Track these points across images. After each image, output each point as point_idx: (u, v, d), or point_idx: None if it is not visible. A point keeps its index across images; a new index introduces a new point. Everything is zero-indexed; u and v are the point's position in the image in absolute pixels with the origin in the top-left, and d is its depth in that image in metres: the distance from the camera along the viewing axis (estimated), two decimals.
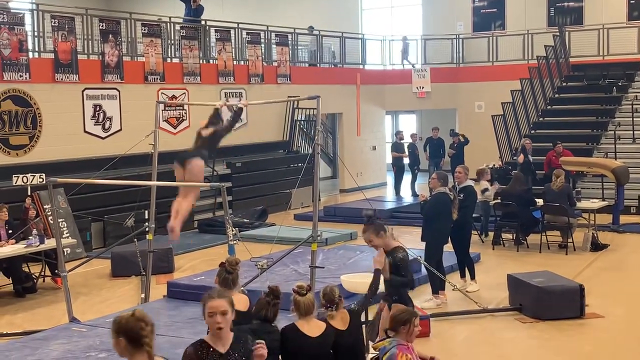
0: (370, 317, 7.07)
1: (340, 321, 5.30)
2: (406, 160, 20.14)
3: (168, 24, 17.09)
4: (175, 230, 7.79)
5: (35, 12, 14.63)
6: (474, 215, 11.28)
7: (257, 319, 5.12)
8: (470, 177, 11.07)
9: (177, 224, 7.81)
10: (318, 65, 21.74)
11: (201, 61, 17.31)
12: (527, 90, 19.79)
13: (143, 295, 9.92)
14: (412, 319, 5.15)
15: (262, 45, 19.04)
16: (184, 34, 16.93)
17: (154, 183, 9.75)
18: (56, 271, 10.68)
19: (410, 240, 10.70)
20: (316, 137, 8.49)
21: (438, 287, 9.75)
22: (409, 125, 27.06)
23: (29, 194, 11.71)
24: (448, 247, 11.26)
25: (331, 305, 5.31)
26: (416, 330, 5.17)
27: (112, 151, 13.84)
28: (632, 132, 17.99)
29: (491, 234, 13.71)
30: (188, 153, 7.97)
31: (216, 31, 17.89)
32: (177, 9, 19.00)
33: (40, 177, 11.72)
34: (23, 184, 11.67)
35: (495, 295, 10.17)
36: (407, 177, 20.31)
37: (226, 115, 8.77)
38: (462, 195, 10.44)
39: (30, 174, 11.79)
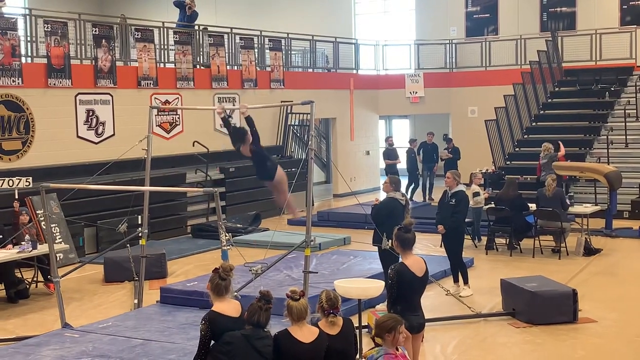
0: (364, 322, 7.06)
1: (332, 326, 5.30)
2: (400, 166, 20.12)
3: (161, 29, 17.08)
4: (297, 213, 10.48)
5: (28, 17, 14.60)
6: (466, 220, 11.27)
7: (249, 324, 5.11)
8: (463, 182, 11.08)
9: (293, 211, 10.01)
10: (311, 70, 21.76)
11: (195, 66, 17.31)
12: (520, 95, 19.83)
13: (136, 301, 9.90)
14: (397, 327, 5.17)
15: (256, 50, 19.05)
16: (178, 39, 16.92)
17: (147, 188, 9.74)
18: (49, 277, 10.64)
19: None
20: (310, 142, 8.48)
21: None
22: (402, 130, 27.10)
23: (17, 197, 11.65)
24: (441, 252, 11.31)
25: (334, 312, 5.31)
26: (401, 337, 5.18)
27: (105, 156, 13.84)
28: (624, 137, 18.04)
29: (484, 238, 13.73)
30: (270, 169, 9.11)
31: (209, 36, 17.90)
32: (170, 14, 19.01)
33: (27, 181, 11.67)
34: (9, 187, 11.63)
35: (488, 300, 10.19)
36: (404, 182, 20.28)
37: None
38: (453, 201, 10.46)
39: (16, 178, 11.73)
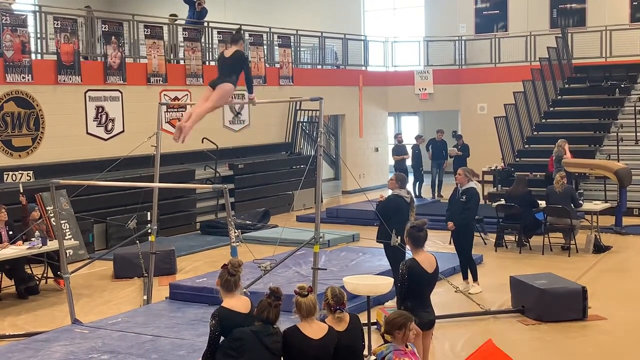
0: (373, 319, 7.06)
1: (340, 322, 5.30)
2: (409, 162, 20.11)
3: (170, 25, 17.09)
4: (185, 129, 7.96)
5: (37, 13, 14.63)
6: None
7: (259, 320, 5.11)
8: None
9: (188, 124, 7.97)
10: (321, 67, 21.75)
11: (204, 63, 17.31)
12: (529, 92, 19.78)
13: (145, 297, 9.93)
14: (407, 324, 5.17)
15: (265, 47, 19.04)
16: (187, 36, 16.94)
17: (156, 185, 9.76)
18: (58, 273, 10.66)
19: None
20: (319, 139, 8.47)
21: None
22: (411, 126, 27.05)
23: (21, 191, 11.67)
24: (451, 249, 11.29)
25: (340, 308, 5.31)
26: (411, 334, 5.19)
27: (114, 153, 13.86)
28: (634, 134, 17.98)
29: (492, 236, 13.68)
30: (220, 79, 8.44)
31: (218, 33, 17.90)
32: (179, 11, 19.02)
33: (27, 175, 11.70)
34: (12, 181, 11.65)
35: (497, 297, 10.17)
36: (410, 179, 20.28)
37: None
38: (464, 197, 10.44)
39: (19, 172, 11.76)
